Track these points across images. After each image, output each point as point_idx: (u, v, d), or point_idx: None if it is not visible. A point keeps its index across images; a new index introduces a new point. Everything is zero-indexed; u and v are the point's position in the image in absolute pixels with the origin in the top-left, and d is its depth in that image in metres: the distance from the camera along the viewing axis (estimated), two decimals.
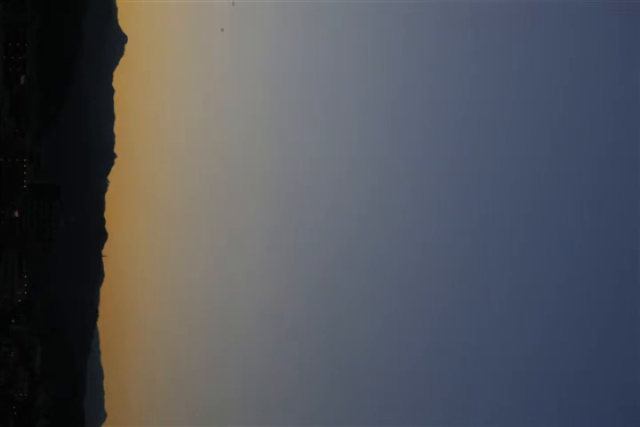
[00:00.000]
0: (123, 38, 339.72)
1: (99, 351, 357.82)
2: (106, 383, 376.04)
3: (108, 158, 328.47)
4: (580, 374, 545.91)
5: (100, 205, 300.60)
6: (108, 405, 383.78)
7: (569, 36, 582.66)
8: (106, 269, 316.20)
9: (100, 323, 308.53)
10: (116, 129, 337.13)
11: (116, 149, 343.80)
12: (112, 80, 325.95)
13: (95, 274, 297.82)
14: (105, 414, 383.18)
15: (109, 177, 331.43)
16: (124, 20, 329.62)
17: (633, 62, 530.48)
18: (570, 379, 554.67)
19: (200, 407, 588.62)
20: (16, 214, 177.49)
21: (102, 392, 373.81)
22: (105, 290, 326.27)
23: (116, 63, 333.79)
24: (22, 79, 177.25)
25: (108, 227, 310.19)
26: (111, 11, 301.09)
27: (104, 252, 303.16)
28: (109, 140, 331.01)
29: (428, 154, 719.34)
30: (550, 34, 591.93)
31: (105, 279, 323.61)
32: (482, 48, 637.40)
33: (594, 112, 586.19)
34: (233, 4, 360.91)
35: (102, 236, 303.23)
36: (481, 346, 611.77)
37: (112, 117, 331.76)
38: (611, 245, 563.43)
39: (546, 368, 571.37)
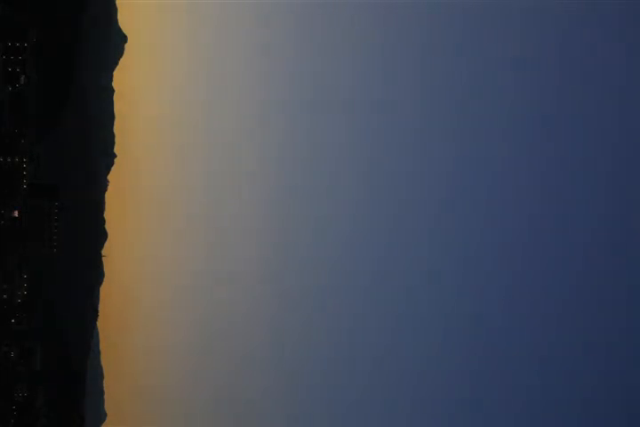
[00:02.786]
0: (123, 38, 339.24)
1: (99, 351, 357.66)
2: (106, 383, 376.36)
3: (108, 158, 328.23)
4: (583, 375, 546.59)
5: (100, 205, 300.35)
6: (108, 405, 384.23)
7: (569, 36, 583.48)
8: (106, 269, 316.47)
9: (99, 323, 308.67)
10: (115, 129, 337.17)
11: (116, 149, 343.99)
12: (112, 80, 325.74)
13: (95, 274, 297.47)
14: (105, 414, 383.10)
15: (109, 177, 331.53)
16: (124, 20, 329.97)
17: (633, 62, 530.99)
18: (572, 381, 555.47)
19: (199, 407, 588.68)
20: (16, 214, 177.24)
21: (102, 392, 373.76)
22: (105, 290, 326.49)
23: (116, 63, 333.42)
24: (22, 79, 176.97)
25: (107, 227, 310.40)
26: (111, 11, 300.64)
27: (104, 252, 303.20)
28: (109, 140, 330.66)
29: (425, 154, 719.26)
30: (550, 34, 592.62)
31: (105, 279, 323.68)
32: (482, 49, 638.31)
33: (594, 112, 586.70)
34: None
35: (102, 236, 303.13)
36: (483, 347, 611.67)
37: (112, 117, 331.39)
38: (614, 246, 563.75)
39: (547, 369, 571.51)
